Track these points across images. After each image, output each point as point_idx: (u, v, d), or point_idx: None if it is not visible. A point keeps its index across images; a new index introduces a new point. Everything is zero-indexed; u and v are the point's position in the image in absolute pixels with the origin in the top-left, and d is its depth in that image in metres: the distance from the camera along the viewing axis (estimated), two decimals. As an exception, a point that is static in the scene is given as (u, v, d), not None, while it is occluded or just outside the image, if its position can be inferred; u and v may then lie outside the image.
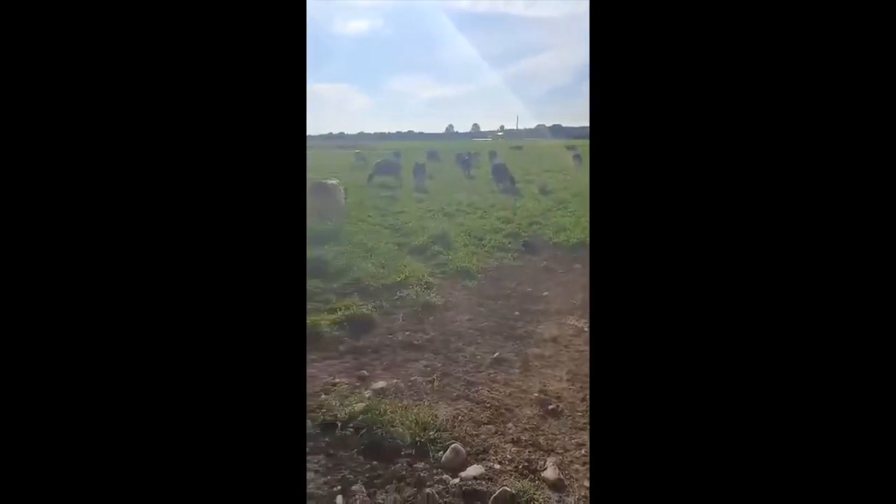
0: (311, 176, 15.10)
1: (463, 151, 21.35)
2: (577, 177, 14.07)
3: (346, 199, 7.64)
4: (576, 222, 6.97)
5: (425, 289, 4.18)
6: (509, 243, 6.04)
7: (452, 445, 2.02)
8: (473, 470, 1.92)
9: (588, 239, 5.94)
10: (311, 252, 5.22)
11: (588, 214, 7.42)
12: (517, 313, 3.77)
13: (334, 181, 7.50)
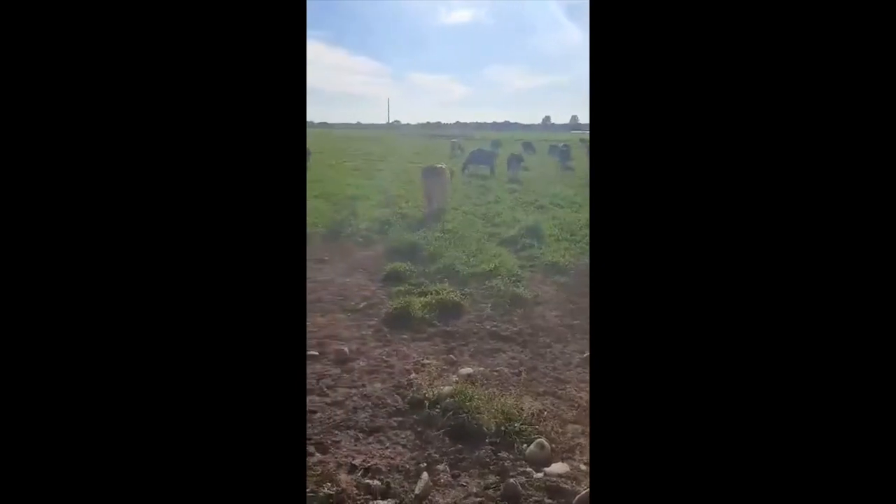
0: (406, 163, 15.55)
1: (559, 142, 20.70)
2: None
3: (451, 182, 8.11)
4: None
5: (515, 281, 4.16)
6: (605, 241, 5.78)
7: (538, 440, 2.00)
8: (558, 467, 1.90)
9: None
10: (404, 236, 5.42)
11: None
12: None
13: (442, 165, 8.05)
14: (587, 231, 6.13)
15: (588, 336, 3.19)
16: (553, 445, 2.01)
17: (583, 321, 3.44)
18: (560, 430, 2.14)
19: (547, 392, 2.48)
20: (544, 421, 2.20)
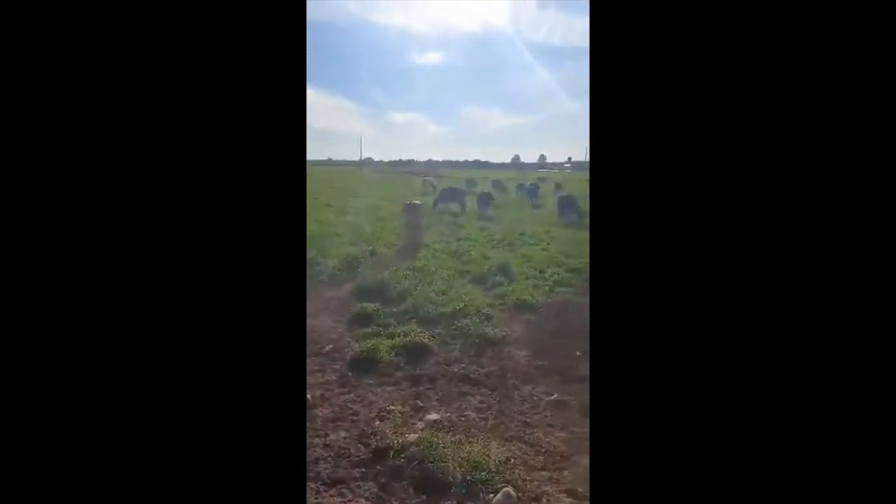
0: (377, 200, 15.57)
1: (529, 182, 21.27)
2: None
3: (425, 218, 8.62)
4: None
5: (484, 320, 4.15)
6: (572, 278, 5.88)
7: (504, 489, 1.95)
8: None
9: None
10: (373, 274, 5.38)
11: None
12: (579, 353, 3.63)
13: (419, 202, 8.65)
14: (556, 269, 6.24)
15: (556, 376, 3.19)
16: (519, 494, 1.97)
17: (550, 361, 3.44)
18: (527, 478, 2.09)
19: (514, 437, 2.44)
20: (511, 468, 2.15)
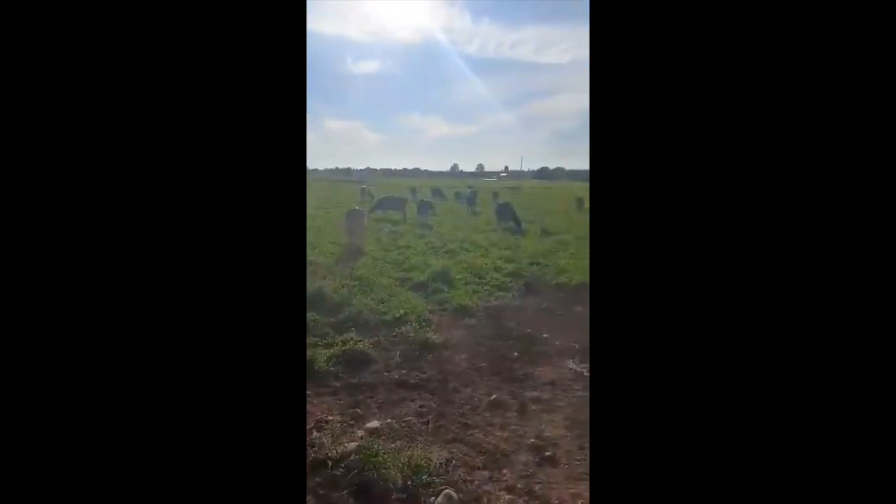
0: (314, 209, 15.20)
1: (467, 190, 21.64)
2: (580, 219, 14.18)
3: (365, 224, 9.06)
4: (577, 264, 6.97)
5: (424, 325, 4.16)
6: (510, 283, 6.04)
7: (445, 491, 1.96)
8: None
9: (588, 281, 5.93)
10: (312, 284, 5.23)
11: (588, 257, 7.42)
12: (516, 354, 3.73)
13: (362, 209, 9.19)
14: (495, 274, 6.37)
15: (494, 377, 3.25)
16: (461, 495, 1.98)
17: (489, 363, 3.51)
18: (468, 479, 2.12)
19: (455, 439, 2.46)
20: (452, 470, 2.17)
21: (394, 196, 15.35)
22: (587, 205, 17.24)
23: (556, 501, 2.01)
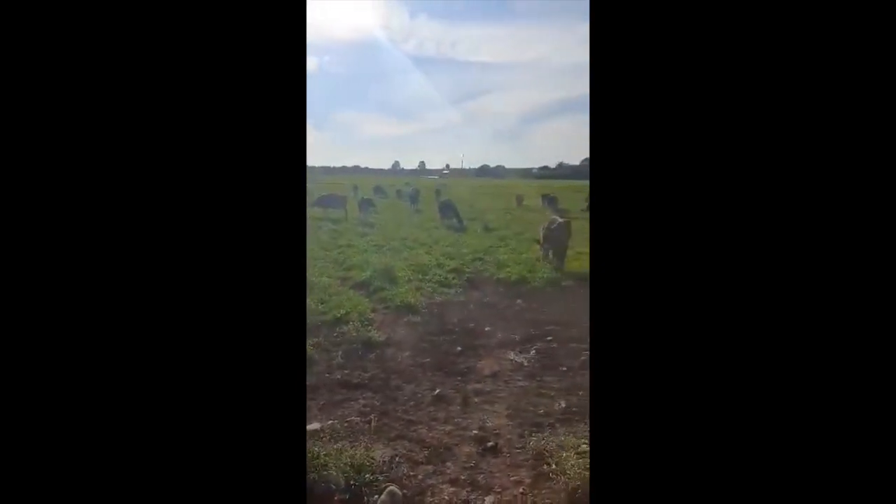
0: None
1: (409, 188, 21.57)
2: (520, 216, 14.57)
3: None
4: (517, 259, 7.16)
5: (366, 324, 4.11)
6: (453, 279, 6.09)
7: (388, 488, 1.95)
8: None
9: (528, 275, 6.11)
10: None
11: (528, 252, 7.62)
12: (459, 349, 3.77)
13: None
14: (438, 270, 6.41)
15: (438, 372, 3.27)
16: (405, 491, 1.98)
17: (434, 359, 3.53)
18: (412, 474, 2.12)
19: (398, 436, 2.45)
20: (396, 467, 2.16)
21: (334, 193, 15.01)
22: (526, 201, 17.76)
23: (499, 489, 2.06)
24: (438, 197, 17.86)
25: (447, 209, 12.30)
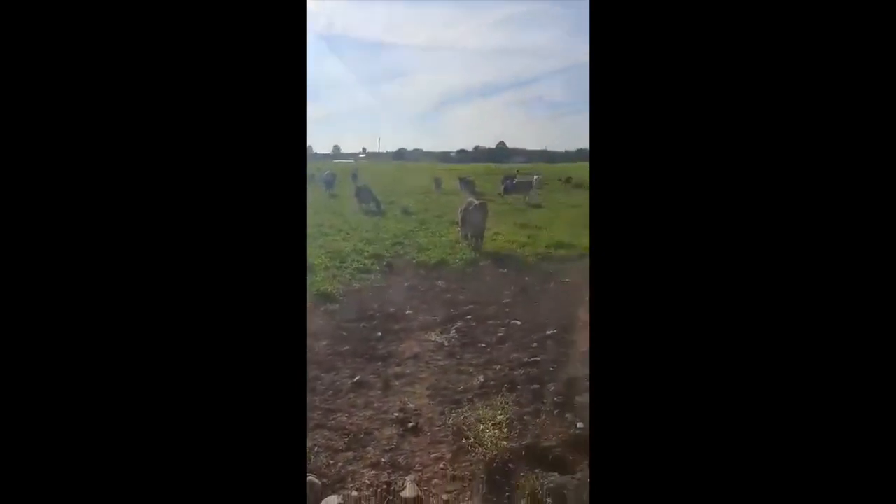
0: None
1: (324, 172, 20.84)
2: (438, 199, 14.68)
3: None
4: (437, 242, 7.23)
5: (281, 316, 3.94)
6: (372, 264, 6.02)
7: (307, 479, 1.91)
8: (331, 500, 1.84)
9: (448, 257, 6.20)
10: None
11: (447, 234, 7.72)
12: (379, 334, 3.75)
13: None
14: (356, 257, 6.28)
15: (357, 359, 3.23)
16: (324, 480, 1.95)
17: (351, 346, 3.48)
18: (331, 462, 2.09)
19: (318, 426, 2.40)
20: (315, 457, 2.11)
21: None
22: (444, 184, 17.91)
23: (420, 467, 2.10)
24: (355, 181, 17.42)
25: (364, 193, 12.06)
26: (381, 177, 26.76)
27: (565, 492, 1.94)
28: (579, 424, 2.43)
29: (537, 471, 2.06)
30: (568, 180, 20.32)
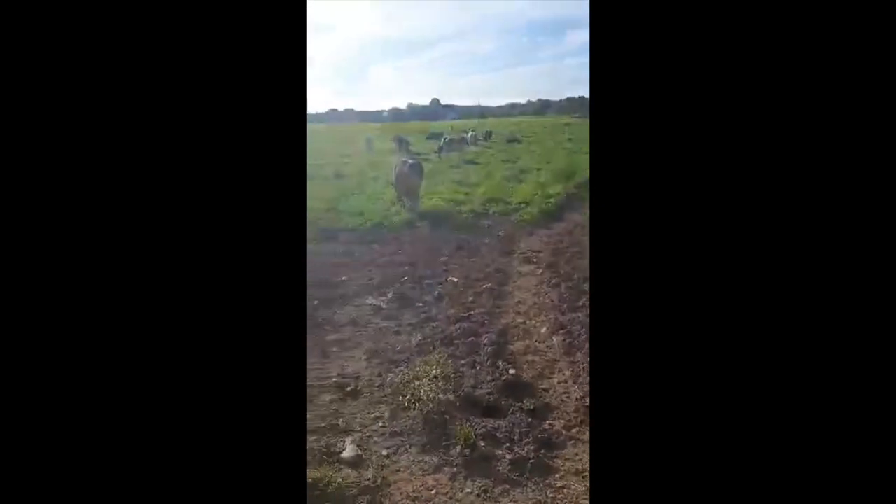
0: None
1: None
2: (371, 159, 14.31)
3: None
4: (371, 206, 7.10)
5: (209, 292, 3.77)
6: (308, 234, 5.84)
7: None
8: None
9: (383, 220, 6.13)
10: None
11: (383, 196, 7.60)
12: (316, 302, 3.69)
13: None
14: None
15: (314, 351, 3.19)
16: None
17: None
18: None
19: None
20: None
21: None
22: (377, 145, 17.46)
23: (359, 428, 2.14)
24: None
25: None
26: (311, 139, 25.55)
27: (497, 434, 2.07)
28: (511, 371, 2.57)
29: (471, 418, 2.17)
30: (513, 140, 20.42)
